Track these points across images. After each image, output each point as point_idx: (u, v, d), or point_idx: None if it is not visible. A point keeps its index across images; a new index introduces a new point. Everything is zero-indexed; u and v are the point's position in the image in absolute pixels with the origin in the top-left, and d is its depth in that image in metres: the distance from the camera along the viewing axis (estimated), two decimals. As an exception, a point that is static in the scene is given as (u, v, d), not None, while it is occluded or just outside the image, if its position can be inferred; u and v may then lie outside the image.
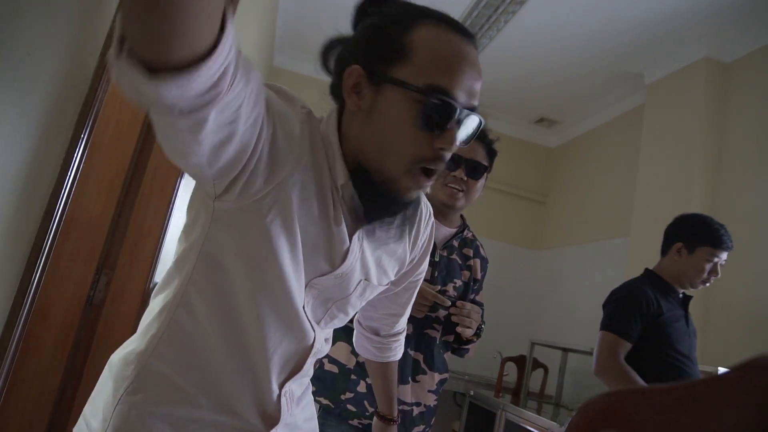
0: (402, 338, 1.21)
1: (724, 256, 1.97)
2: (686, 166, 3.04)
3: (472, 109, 0.77)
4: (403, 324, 1.17)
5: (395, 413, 1.32)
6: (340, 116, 0.80)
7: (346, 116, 0.79)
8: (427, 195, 1.64)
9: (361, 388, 1.49)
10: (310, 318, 0.82)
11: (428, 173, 0.76)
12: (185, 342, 0.77)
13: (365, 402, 1.48)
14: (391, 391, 1.28)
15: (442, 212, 1.62)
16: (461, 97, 0.74)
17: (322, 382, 1.51)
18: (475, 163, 1.57)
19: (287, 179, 0.72)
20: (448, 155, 0.76)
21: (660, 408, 0.34)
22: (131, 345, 0.82)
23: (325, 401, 1.50)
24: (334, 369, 1.52)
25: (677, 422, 0.33)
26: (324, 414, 1.52)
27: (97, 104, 1.11)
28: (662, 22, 3.06)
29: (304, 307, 0.81)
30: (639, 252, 3.26)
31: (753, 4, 2.76)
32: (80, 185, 1.21)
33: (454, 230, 1.66)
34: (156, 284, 0.87)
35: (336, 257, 0.81)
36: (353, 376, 1.50)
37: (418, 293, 1.40)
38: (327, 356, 1.53)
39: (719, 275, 1.97)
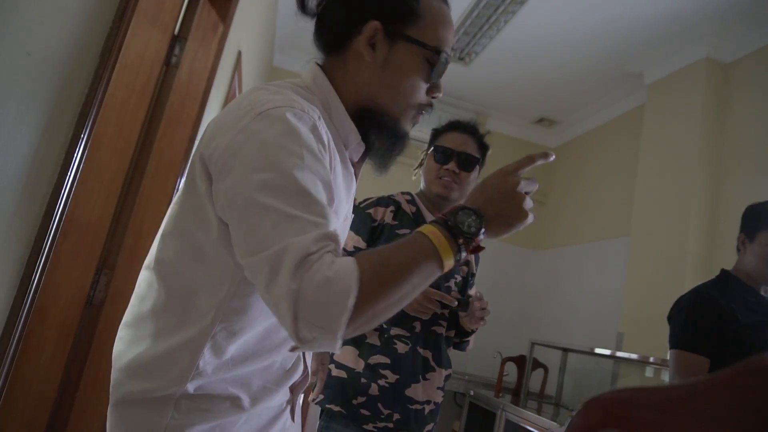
0: None
1: None
2: (686, 166, 3.04)
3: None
4: None
5: None
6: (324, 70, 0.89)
7: (349, 66, 0.87)
8: (422, 189, 1.71)
9: (373, 391, 1.48)
10: None
11: (421, 113, 0.91)
12: (222, 356, 0.77)
13: (379, 404, 1.47)
14: None
15: (438, 206, 1.65)
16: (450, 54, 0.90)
17: (331, 389, 1.49)
18: (466, 156, 1.60)
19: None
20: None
21: (659, 408, 0.34)
22: (154, 381, 0.75)
23: (336, 408, 1.48)
24: (343, 374, 1.50)
25: (677, 423, 0.33)
26: (327, 418, 1.50)
27: (97, 104, 1.11)
28: (662, 22, 3.06)
29: None
30: (639, 252, 3.26)
31: (753, 4, 2.76)
32: (80, 185, 1.21)
33: None
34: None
35: (349, 201, 0.93)
36: (363, 380, 1.49)
37: (423, 295, 1.45)
38: (334, 362, 1.52)
39: None
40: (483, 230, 0.70)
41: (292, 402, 0.89)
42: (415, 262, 0.65)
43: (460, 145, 1.61)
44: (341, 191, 0.85)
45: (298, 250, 0.60)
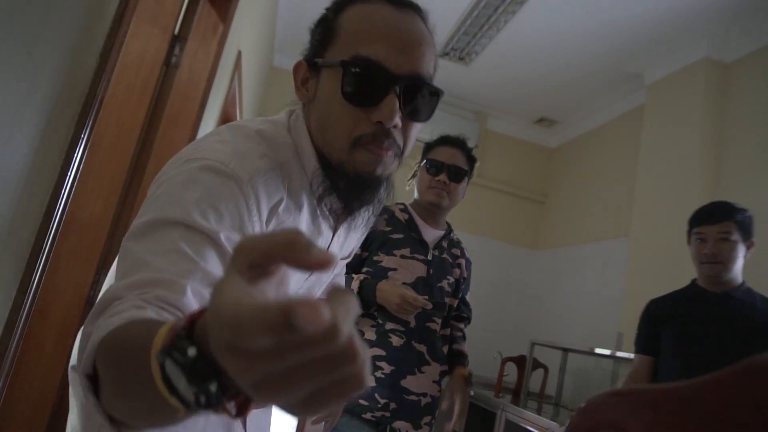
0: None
1: (709, 229, 1.80)
2: (686, 166, 3.04)
3: (416, 78, 0.69)
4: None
5: None
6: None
7: (306, 117, 0.77)
8: (416, 198, 1.81)
9: (370, 382, 1.54)
10: None
11: (376, 147, 0.70)
12: None
13: (375, 394, 1.59)
14: None
15: (430, 214, 1.79)
16: (391, 64, 0.67)
17: None
18: (456, 168, 1.74)
19: (277, 220, 0.71)
20: (396, 134, 0.70)
21: (659, 408, 0.34)
22: None
23: None
24: None
25: (676, 422, 0.33)
26: None
27: (97, 104, 1.11)
28: (662, 22, 3.06)
29: None
30: (639, 252, 3.26)
31: (753, 4, 2.76)
32: (80, 185, 1.21)
33: (442, 232, 1.82)
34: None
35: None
36: None
37: (401, 298, 1.56)
38: None
39: (708, 251, 1.80)
40: (219, 399, 0.32)
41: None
42: (132, 382, 0.39)
43: (450, 158, 1.74)
44: None
45: (110, 294, 0.51)
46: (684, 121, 3.13)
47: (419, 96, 0.70)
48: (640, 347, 1.98)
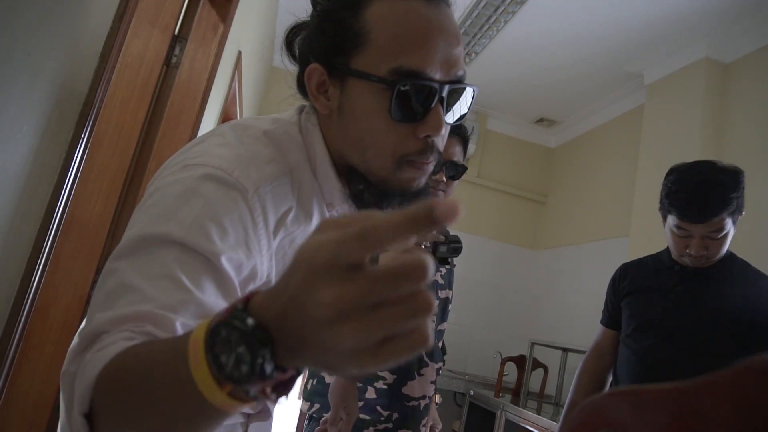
0: None
1: (696, 228, 1.44)
2: (686, 166, 3.04)
3: (457, 82, 0.66)
4: None
5: None
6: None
7: (320, 119, 0.71)
8: None
9: (370, 394, 1.49)
10: None
11: (423, 162, 0.67)
12: None
13: (378, 407, 1.49)
14: None
15: None
16: (435, 72, 0.63)
17: (327, 398, 1.45)
18: (455, 165, 1.61)
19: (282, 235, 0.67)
20: (439, 141, 0.67)
21: (659, 408, 0.34)
22: None
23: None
24: None
25: (676, 422, 0.33)
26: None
27: (97, 104, 1.11)
28: (662, 22, 3.06)
29: None
30: (639, 252, 3.25)
31: (753, 4, 2.76)
32: (81, 185, 1.21)
33: None
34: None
35: None
36: (359, 384, 1.49)
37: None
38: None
39: (694, 252, 1.47)
40: (271, 368, 0.33)
41: (245, 426, 0.81)
42: (161, 394, 0.39)
43: (447, 153, 1.59)
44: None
45: (93, 328, 0.48)
46: (684, 121, 3.13)
47: (459, 97, 0.68)
48: (603, 319, 1.79)
